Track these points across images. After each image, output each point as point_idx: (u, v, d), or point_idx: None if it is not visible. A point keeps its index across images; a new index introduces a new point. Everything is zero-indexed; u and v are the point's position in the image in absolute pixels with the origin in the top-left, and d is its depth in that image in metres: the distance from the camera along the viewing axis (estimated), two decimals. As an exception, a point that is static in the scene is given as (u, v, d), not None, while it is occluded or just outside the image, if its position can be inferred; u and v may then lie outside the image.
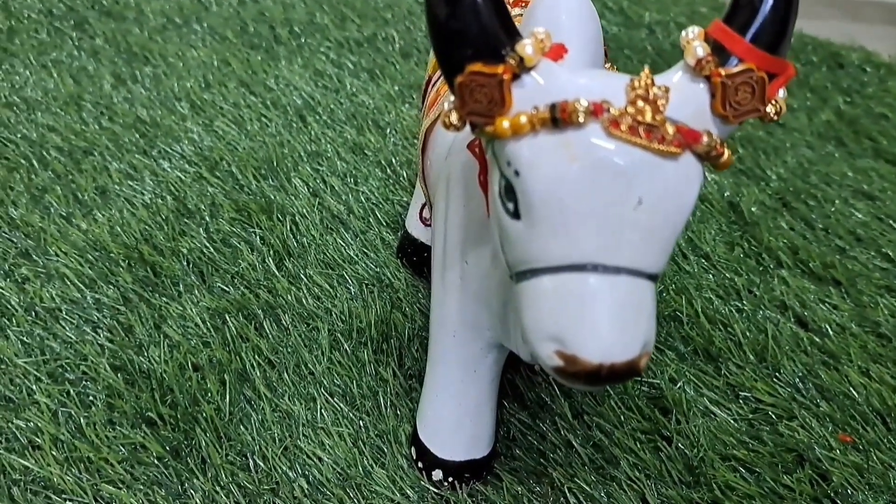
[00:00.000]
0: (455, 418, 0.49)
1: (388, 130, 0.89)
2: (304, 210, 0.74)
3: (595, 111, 0.29)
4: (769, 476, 0.51)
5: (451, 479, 0.49)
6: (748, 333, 0.62)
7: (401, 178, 0.81)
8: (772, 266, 0.71)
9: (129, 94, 0.91)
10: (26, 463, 0.50)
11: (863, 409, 0.56)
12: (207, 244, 0.68)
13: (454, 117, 0.33)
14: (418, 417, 0.51)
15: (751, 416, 0.55)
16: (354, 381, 0.57)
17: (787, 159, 0.88)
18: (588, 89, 0.30)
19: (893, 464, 0.52)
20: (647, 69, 0.31)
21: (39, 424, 0.52)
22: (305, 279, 0.66)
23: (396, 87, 0.98)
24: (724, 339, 0.61)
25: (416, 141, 0.87)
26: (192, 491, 0.49)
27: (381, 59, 1.04)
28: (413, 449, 0.52)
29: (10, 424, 0.52)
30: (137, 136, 0.83)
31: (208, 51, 1.02)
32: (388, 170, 0.82)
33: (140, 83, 0.94)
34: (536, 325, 0.30)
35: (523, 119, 0.30)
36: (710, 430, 0.54)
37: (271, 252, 0.69)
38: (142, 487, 0.49)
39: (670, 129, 0.29)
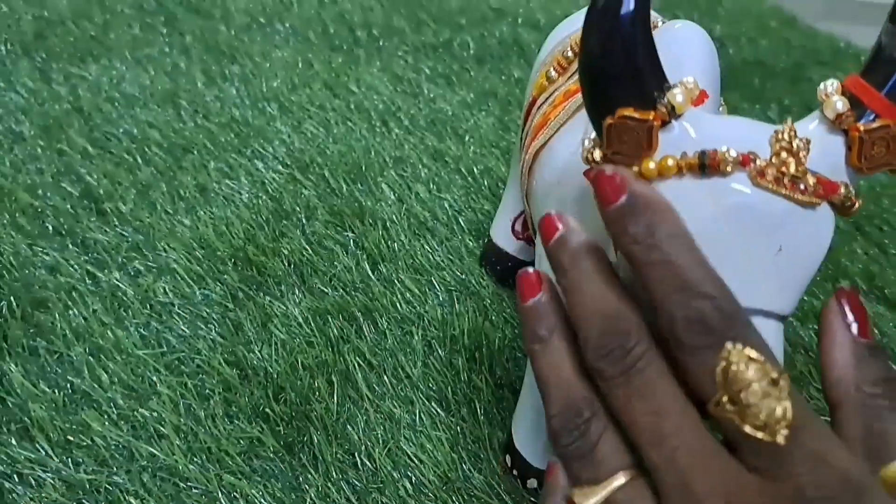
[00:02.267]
0: None
1: (467, 138, 0.91)
2: (394, 216, 0.77)
3: (743, 162, 0.31)
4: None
5: None
6: (828, 359, 0.64)
7: (482, 187, 0.84)
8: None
9: (220, 93, 0.95)
10: (153, 450, 0.54)
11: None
12: (306, 246, 0.72)
13: (597, 155, 0.35)
14: (514, 427, 0.54)
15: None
16: (449, 388, 0.60)
17: (860, 182, 0.89)
18: (735, 139, 0.32)
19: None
20: (789, 121, 0.33)
21: (163, 414, 0.56)
22: (398, 283, 0.69)
23: (472, 95, 1.00)
24: (805, 363, 0.63)
25: (493, 150, 0.90)
26: (306, 486, 0.53)
27: (456, 65, 1.07)
28: (508, 457, 0.55)
29: (135, 413, 0.56)
30: (232, 135, 0.87)
31: (292, 51, 1.06)
32: (469, 178, 0.85)
33: (230, 82, 0.97)
34: None
35: (670, 162, 0.32)
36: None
37: (365, 256, 0.72)
38: (259, 479, 0.53)
39: (811, 180, 0.32)
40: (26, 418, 0.55)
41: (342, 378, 0.60)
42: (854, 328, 0.34)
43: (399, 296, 0.68)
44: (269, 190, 0.79)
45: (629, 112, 0.33)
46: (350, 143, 0.88)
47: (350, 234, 0.74)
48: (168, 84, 0.95)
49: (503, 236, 0.70)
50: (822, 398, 0.60)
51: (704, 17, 1.23)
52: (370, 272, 0.70)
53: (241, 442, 0.55)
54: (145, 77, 0.96)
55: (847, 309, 0.34)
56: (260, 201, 0.77)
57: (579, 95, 0.51)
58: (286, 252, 0.71)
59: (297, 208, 0.77)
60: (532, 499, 0.53)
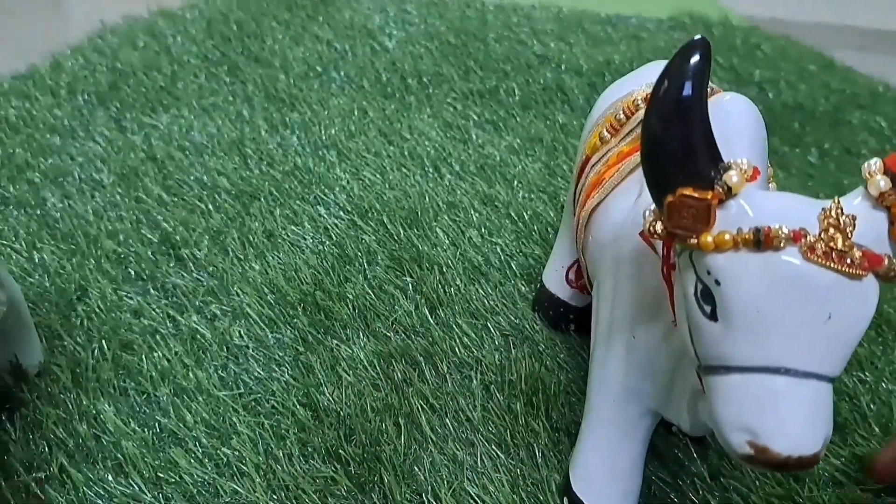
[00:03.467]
0: (609, 475, 0.55)
1: (515, 183, 0.96)
2: (449, 260, 0.81)
3: (794, 238, 0.35)
4: (895, 546, 0.56)
5: None
6: (872, 406, 0.66)
7: (532, 232, 0.88)
8: (891, 338, 0.75)
9: (282, 141, 1.00)
10: (235, 486, 0.58)
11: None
12: (368, 291, 0.76)
13: (659, 228, 0.39)
14: (572, 470, 0.58)
15: (878, 485, 0.60)
16: (508, 431, 0.64)
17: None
18: (787, 216, 0.36)
19: None
20: (837, 199, 0.36)
21: (243, 453, 0.60)
22: (456, 328, 0.73)
23: (518, 140, 1.05)
24: (850, 410, 0.66)
25: (541, 194, 0.94)
26: (378, 522, 0.57)
27: (502, 112, 1.11)
28: (566, 499, 0.58)
29: (218, 451, 0.61)
30: (295, 182, 0.92)
31: (347, 99, 1.11)
32: (519, 223, 0.89)
33: (290, 129, 1.03)
34: (730, 416, 0.36)
35: (727, 237, 0.36)
36: (838, 499, 0.59)
37: (423, 300, 0.76)
38: (334, 515, 0.57)
39: (857, 254, 0.35)
40: (120, 455, 0.60)
41: (408, 420, 0.64)
42: None
43: (457, 340, 0.72)
44: (333, 236, 0.84)
45: (689, 191, 0.37)
46: (405, 188, 0.93)
47: (409, 279, 0.79)
48: (233, 132, 1.01)
49: (556, 283, 0.74)
50: (866, 445, 0.63)
51: (743, 61, 1.27)
52: (429, 316, 0.74)
53: (317, 481, 0.59)
54: (212, 125, 1.02)
55: None
56: (324, 247, 0.82)
57: (633, 157, 0.55)
58: (351, 297, 0.75)
59: (359, 254, 0.82)
60: (589, 539, 0.56)
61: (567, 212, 0.70)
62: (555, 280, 0.74)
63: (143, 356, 0.68)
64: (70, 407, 0.63)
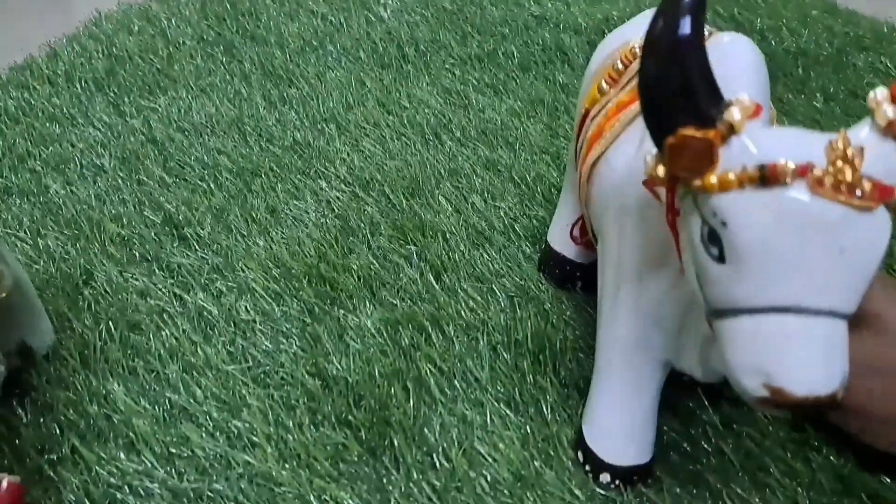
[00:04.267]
0: (622, 428, 0.55)
1: (517, 146, 0.95)
2: (453, 227, 0.81)
3: (801, 172, 0.34)
4: (911, 485, 0.56)
5: (617, 482, 0.55)
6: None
7: (535, 194, 0.87)
8: (902, 280, 0.74)
9: (281, 117, 1.00)
10: (248, 458, 0.59)
11: None
12: (373, 261, 0.76)
13: (661, 171, 0.38)
14: (585, 425, 0.58)
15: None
16: (517, 389, 0.64)
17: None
18: (792, 151, 0.35)
19: None
20: (843, 130, 0.35)
21: (254, 424, 0.61)
22: (461, 292, 0.73)
23: (519, 103, 1.04)
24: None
25: (544, 156, 0.93)
26: (390, 486, 0.57)
27: (502, 75, 1.10)
28: (579, 453, 0.58)
29: (229, 424, 0.61)
30: (295, 157, 0.92)
31: (344, 71, 1.10)
32: (522, 185, 0.88)
33: (289, 105, 1.02)
34: (743, 360, 0.35)
35: (731, 176, 0.35)
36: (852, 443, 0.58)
37: (428, 267, 0.76)
38: (347, 482, 0.57)
39: (867, 186, 0.34)
40: (131, 433, 0.61)
41: (416, 384, 0.64)
42: None
43: (463, 304, 0.72)
44: (335, 208, 0.84)
45: (690, 131, 0.36)
46: (406, 157, 0.92)
47: (413, 248, 0.78)
48: (232, 111, 1.00)
49: (561, 241, 0.73)
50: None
51: (744, 10, 1.24)
52: (434, 282, 0.74)
53: (328, 448, 0.59)
54: (210, 105, 1.01)
55: None
56: (327, 220, 0.82)
57: (632, 106, 0.54)
58: (355, 267, 0.75)
59: (362, 225, 0.81)
60: (602, 492, 0.56)
61: (569, 168, 0.69)
62: (560, 238, 0.74)
63: (151, 335, 0.68)
64: (80, 388, 0.63)
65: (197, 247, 0.78)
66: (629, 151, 0.52)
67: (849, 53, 1.14)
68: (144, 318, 0.70)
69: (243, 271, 0.75)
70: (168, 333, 0.69)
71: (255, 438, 0.60)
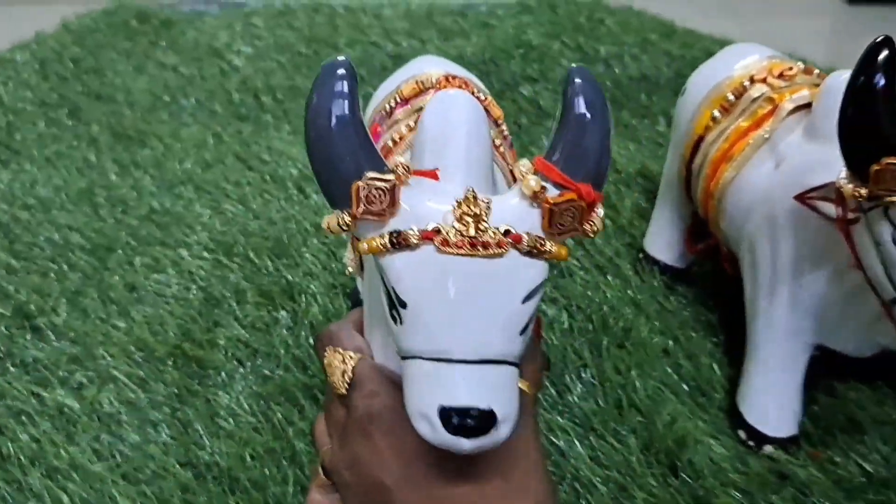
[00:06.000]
0: (779, 406, 0.65)
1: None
2: (322, 287, 0.81)
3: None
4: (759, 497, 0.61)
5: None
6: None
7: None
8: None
9: (134, 183, 0.97)
10: (122, 563, 0.57)
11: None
12: (241, 330, 0.75)
13: (863, 192, 0.52)
14: (744, 406, 0.66)
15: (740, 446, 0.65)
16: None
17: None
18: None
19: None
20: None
21: (126, 526, 0.59)
22: (333, 356, 0.73)
23: (382, 146, 1.05)
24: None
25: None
26: (273, 572, 0.56)
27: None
28: (740, 432, 0.66)
29: (99, 529, 0.59)
30: (153, 226, 0.89)
31: (200, 127, 1.08)
32: (388, 234, 0.89)
33: (142, 169, 1.00)
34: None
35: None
36: (710, 461, 0.63)
37: (301, 332, 0.76)
38: (228, 574, 0.56)
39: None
40: (-7, 553, 0.58)
41: (290, 462, 0.64)
42: None
43: (336, 368, 0.72)
44: (197, 279, 0.82)
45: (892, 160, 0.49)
46: (269, 216, 0.92)
47: (282, 313, 0.78)
48: (81, 181, 0.96)
49: (661, 249, 0.84)
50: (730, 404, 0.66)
51: (589, 39, 1.30)
52: (310, 348, 0.74)
53: (206, 541, 0.58)
54: (58, 177, 0.97)
55: None
56: (190, 293, 0.80)
57: (755, 133, 0.67)
58: (222, 342, 0.74)
59: (227, 294, 0.80)
60: None
61: (671, 185, 0.80)
62: (660, 246, 0.84)
63: (10, 441, 0.65)
64: (-69, 513, 0.60)
65: (52, 337, 0.75)
66: (766, 171, 0.65)
67: (685, 76, 1.22)
68: (2, 422, 0.67)
69: (104, 358, 0.73)
70: (28, 437, 0.66)
71: (127, 542, 0.58)
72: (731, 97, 0.70)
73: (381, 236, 0.37)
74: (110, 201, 0.94)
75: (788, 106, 0.66)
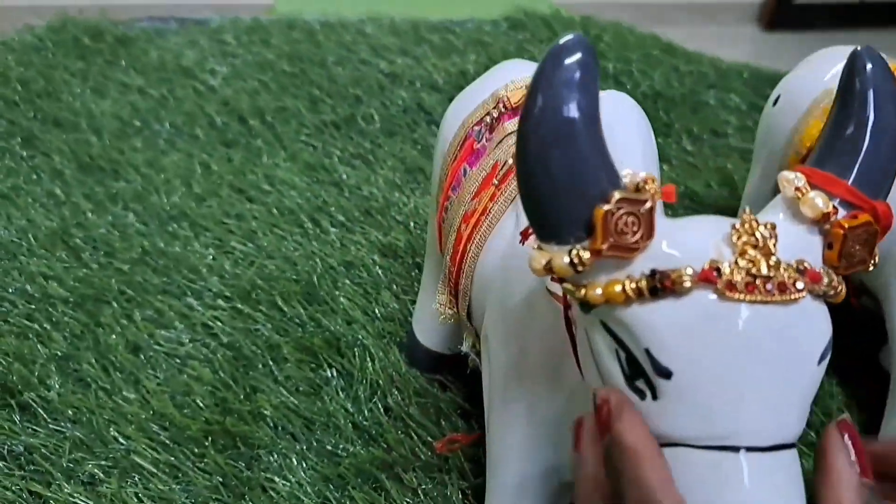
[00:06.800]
0: None
1: (411, 224, 0.84)
2: (371, 336, 0.68)
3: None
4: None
5: None
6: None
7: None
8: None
9: (115, 220, 0.81)
10: None
11: None
12: (286, 396, 0.61)
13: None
14: None
15: None
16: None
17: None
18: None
19: None
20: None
21: None
22: (406, 419, 0.60)
23: (396, 173, 0.93)
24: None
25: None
26: None
27: (367, 143, 0.99)
28: None
29: None
30: (149, 271, 0.74)
31: (182, 155, 0.93)
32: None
33: (121, 204, 0.84)
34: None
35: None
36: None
37: (360, 394, 0.62)
38: None
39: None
40: None
41: (393, 564, 0.50)
42: (856, 467, 0.30)
43: (415, 437, 0.59)
44: (218, 333, 0.67)
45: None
46: (287, 254, 0.78)
47: (333, 371, 0.64)
48: (50, 220, 0.80)
49: None
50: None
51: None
52: (381, 412, 0.61)
53: None
54: (19, 216, 0.80)
55: (850, 444, 0.30)
56: (210, 351, 0.65)
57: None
58: (268, 412, 0.60)
59: (258, 351, 0.66)
60: None
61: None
62: None
63: (6, 565, 0.49)
64: None
65: (46, 416, 0.59)
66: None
67: (699, 92, 1.16)
68: (-11, 540, 0.51)
69: (118, 441, 0.57)
70: (30, 556, 0.50)
71: None
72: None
73: (630, 279, 0.27)
74: (89, 242, 0.77)
75: None
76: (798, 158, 0.65)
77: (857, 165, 0.29)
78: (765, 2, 1.85)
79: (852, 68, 0.31)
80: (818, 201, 0.29)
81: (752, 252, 0.27)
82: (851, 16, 1.86)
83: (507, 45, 1.25)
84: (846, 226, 0.28)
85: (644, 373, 0.28)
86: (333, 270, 0.76)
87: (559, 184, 0.28)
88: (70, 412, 0.59)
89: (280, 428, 0.59)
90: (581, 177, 0.28)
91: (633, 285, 0.27)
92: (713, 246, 0.28)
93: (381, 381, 0.63)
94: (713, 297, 0.27)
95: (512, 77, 0.52)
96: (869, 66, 0.30)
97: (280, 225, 0.83)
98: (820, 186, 0.29)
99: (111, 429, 0.58)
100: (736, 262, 0.27)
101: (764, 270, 0.27)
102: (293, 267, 0.76)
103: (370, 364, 0.65)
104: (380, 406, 0.61)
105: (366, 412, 0.61)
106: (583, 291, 0.28)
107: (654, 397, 0.28)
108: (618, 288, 0.27)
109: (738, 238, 0.28)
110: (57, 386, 0.61)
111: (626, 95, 0.42)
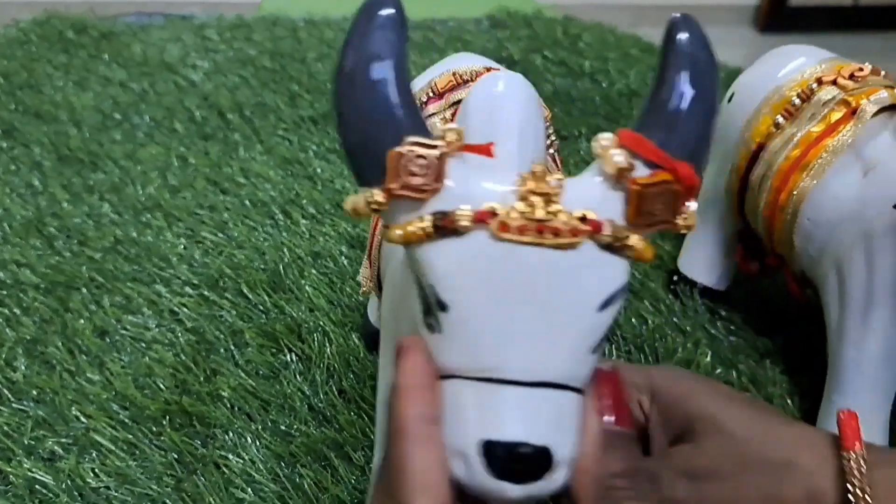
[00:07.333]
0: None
1: (378, 216, 0.85)
2: (332, 324, 0.70)
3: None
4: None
5: None
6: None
7: (411, 270, 0.78)
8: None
9: (90, 210, 0.83)
10: None
11: None
12: (245, 378, 0.63)
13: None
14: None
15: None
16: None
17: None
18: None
19: None
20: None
21: None
22: (359, 401, 0.62)
23: (368, 166, 0.95)
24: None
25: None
26: None
27: (342, 136, 1.01)
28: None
29: None
30: (121, 259, 0.76)
31: (160, 147, 0.95)
32: (394, 261, 0.79)
33: (98, 194, 0.86)
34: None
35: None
36: None
37: (317, 378, 0.64)
38: None
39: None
40: None
41: (336, 538, 0.52)
42: (606, 416, 0.32)
43: (367, 418, 0.61)
44: (183, 319, 0.69)
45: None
46: (257, 245, 0.80)
47: (292, 356, 0.66)
48: (27, 209, 0.82)
49: (702, 271, 0.76)
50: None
51: (571, 54, 1.24)
52: (336, 395, 0.63)
53: None
54: (-4, 205, 0.82)
55: (602, 392, 0.32)
56: (176, 336, 0.67)
57: (832, 138, 0.60)
58: (226, 393, 0.62)
59: (221, 336, 0.68)
60: None
61: (715, 202, 0.72)
62: (700, 267, 0.76)
63: (-36, 535, 0.51)
64: None
65: (10, 396, 0.61)
66: (851, 180, 0.58)
67: (674, 90, 1.17)
68: (-51, 511, 0.53)
69: (79, 420, 0.59)
70: (-12, 527, 0.52)
71: None
72: (797, 101, 0.63)
73: (421, 219, 0.29)
74: (63, 231, 0.80)
75: (871, 108, 0.60)
76: (749, 154, 0.66)
77: (665, 128, 0.30)
78: (760, 4, 1.86)
79: (669, 36, 0.32)
80: (617, 158, 0.29)
81: (534, 199, 0.29)
82: (846, 18, 1.87)
83: (487, 42, 1.27)
84: (641, 183, 0.29)
85: (431, 309, 0.29)
86: (301, 260, 0.78)
87: (361, 128, 0.29)
88: (34, 392, 0.61)
89: (237, 408, 0.61)
90: (380, 124, 0.29)
91: (422, 225, 0.29)
92: (501, 192, 0.29)
93: (337, 366, 0.65)
94: (489, 237, 0.28)
95: (453, 67, 0.53)
96: (686, 34, 0.31)
97: (252, 216, 0.85)
98: (628, 146, 0.30)
99: (73, 408, 0.60)
100: (514, 207, 0.28)
101: (540, 215, 0.28)
102: (261, 256, 0.78)
103: (328, 349, 0.67)
104: (335, 389, 0.63)
105: (321, 395, 0.63)
106: (395, 232, 0.30)
107: (439, 331, 0.29)
108: (410, 228, 0.29)
109: (523, 185, 0.29)
110: (23, 368, 0.63)
111: (519, 76, 0.43)
